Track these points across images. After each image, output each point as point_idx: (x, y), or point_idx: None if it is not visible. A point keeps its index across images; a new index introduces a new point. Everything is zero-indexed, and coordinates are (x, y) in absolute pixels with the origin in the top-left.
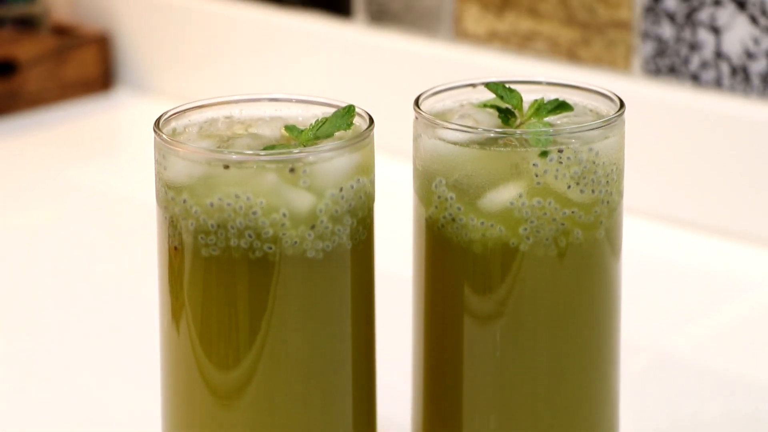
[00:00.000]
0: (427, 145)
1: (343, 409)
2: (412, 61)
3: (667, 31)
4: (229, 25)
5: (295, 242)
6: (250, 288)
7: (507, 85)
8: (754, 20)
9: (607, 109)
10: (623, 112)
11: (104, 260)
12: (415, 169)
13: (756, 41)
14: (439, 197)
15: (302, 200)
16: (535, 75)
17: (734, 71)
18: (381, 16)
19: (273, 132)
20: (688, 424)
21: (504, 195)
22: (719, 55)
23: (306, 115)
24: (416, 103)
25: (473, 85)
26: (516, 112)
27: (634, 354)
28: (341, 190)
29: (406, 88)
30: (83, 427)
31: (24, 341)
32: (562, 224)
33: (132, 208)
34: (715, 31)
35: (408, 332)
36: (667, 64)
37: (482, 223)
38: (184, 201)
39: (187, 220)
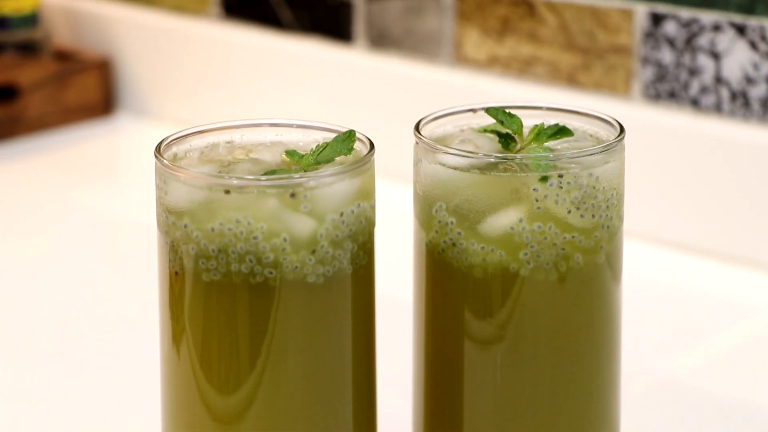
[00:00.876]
0: (427, 170)
1: None
2: (412, 86)
3: (667, 56)
4: (230, 50)
5: (296, 267)
6: (251, 313)
7: (507, 111)
8: (753, 46)
9: (607, 134)
10: (623, 137)
11: (105, 284)
12: (416, 194)
13: (756, 66)
14: (439, 222)
15: (303, 225)
16: (536, 100)
17: (734, 96)
18: (381, 41)
19: (274, 157)
20: None
21: (504, 220)
22: (719, 80)
23: (307, 140)
24: (416, 128)
25: (473, 110)
26: (516, 137)
27: (635, 377)
28: (342, 215)
29: (406, 113)
30: None
31: (24, 363)
32: (563, 249)
33: (133, 232)
34: (715, 56)
35: (409, 356)
36: (667, 89)
37: (483, 247)
38: (185, 226)
39: (187, 244)
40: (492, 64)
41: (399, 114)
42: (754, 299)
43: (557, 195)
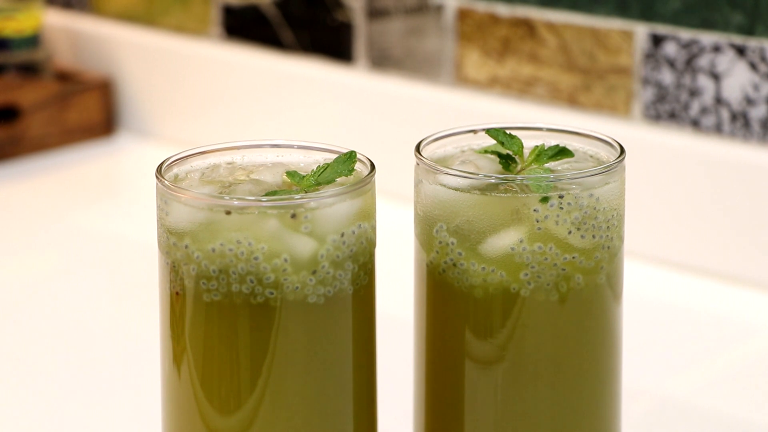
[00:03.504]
0: (428, 191)
1: None
2: (413, 106)
3: (667, 77)
4: (231, 71)
5: (297, 287)
6: (252, 333)
7: (508, 131)
8: (753, 66)
9: (608, 154)
10: (623, 158)
11: (106, 304)
12: (416, 215)
13: (756, 87)
14: (440, 242)
15: (304, 246)
16: (536, 121)
17: (734, 117)
18: (382, 61)
19: (275, 178)
20: None
21: (505, 240)
22: (719, 100)
23: (307, 161)
24: (417, 148)
25: (474, 131)
26: (517, 158)
27: (636, 398)
28: (342, 235)
29: (407, 133)
30: None
31: (24, 382)
32: (563, 269)
33: (134, 252)
34: (715, 77)
35: (409, 376)
36: (668, 110)
37: (483, 268)
38: (186, 246)
39: (188, 265)
40: (492, 84)
41: (400, 135)
42: (755, 319)
43: (558, 216)
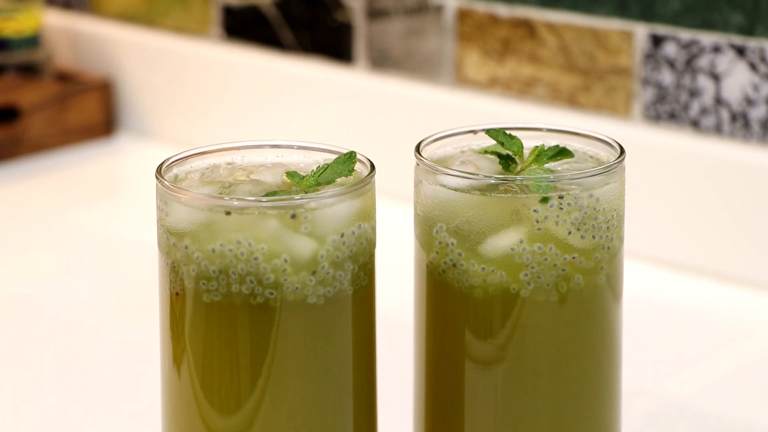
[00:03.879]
0: (428, 191)
1: None
2: (413, 107)
3: (667, 77)
4: (231, 72)
5: (297, 288)
6: (252, 333)
7: (508, 132)
8: (753, 67)
9: (608, 155)
10: (623, 158)
11: (106, 305)
12: (416, 215)
13: (755, 88)
14: (440, 243)
15: (303, 246)
16: (536, 121)
17: (734, 117)
18: (382, 62)
19: (274, 178)
20: None
21: (505, 241)
22: (719, 101)
23: (307, 162)
24: (417, 149)
25: (474, 132)
26: (517, 158)
27: (635, 398)
28: (342, 236)
29: (407, 134)
30: None
31: (26, 382)
32: (563, 270)
33: (134, 252)
34: (715, 77)
35: (409, 377)
36: (667, 111)
37: (483, 268)
38: (186, 247)
39: (188, 265)
40: (492, 85)
41: (400, 135)
42: (755, 320)
43: (557, 216)
